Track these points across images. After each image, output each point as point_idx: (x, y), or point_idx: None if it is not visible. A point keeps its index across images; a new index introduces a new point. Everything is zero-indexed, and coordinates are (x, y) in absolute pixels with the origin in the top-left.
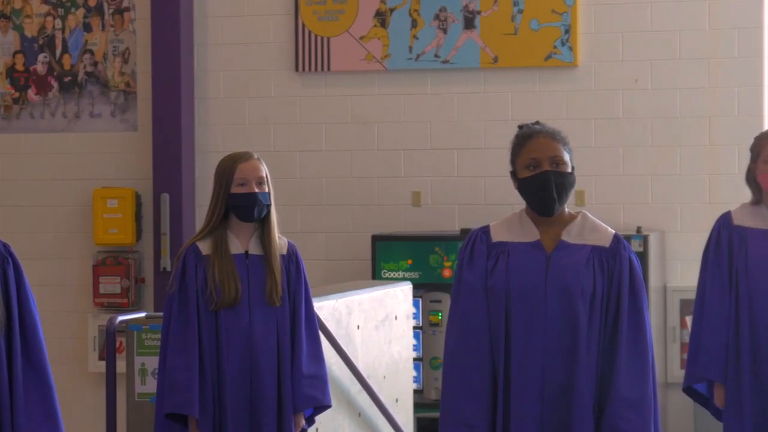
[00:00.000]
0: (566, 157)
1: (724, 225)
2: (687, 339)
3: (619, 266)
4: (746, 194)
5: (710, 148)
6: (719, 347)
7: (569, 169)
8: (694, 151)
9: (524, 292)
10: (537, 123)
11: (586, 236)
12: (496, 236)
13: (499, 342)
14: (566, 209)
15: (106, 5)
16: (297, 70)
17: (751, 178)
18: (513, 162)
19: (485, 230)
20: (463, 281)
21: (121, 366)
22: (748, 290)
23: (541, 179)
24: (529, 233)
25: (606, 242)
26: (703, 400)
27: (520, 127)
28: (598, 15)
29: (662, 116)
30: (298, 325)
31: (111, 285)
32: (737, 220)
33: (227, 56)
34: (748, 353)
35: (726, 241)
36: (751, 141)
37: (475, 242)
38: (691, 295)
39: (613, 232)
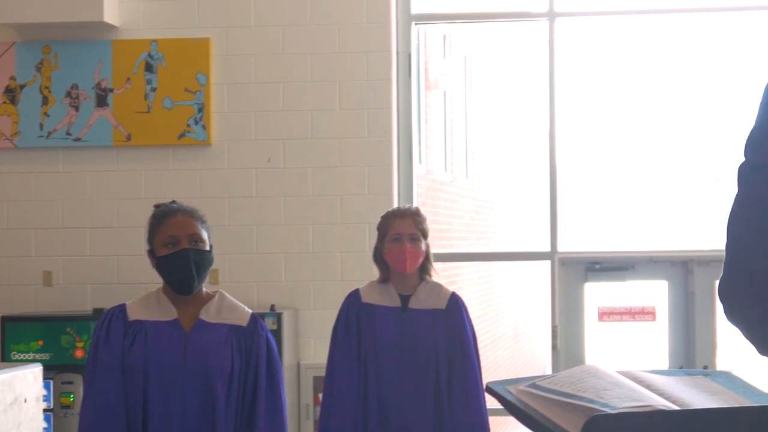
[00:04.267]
0: (204, 235)
1: (352, 302)
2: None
3: (257, 346)
4: (377, 272)
5: (342, 226)
6: (348, 424)
7: (208, 247)
8: (326, 230)
9: (162, 371)
10: (173, 202)
11: (224, 315)
12: (133, 315)
13: (137, 421)
14: (203, 288)
15: None
16: None
17: (379, 257)
18: (150, 240)
19: (121, 309)
20: (99, 360)
21: None
22: (376, 366)
23: (180, 257)
24: (167, 312)
25: (244, 321)
26: None
27: (157, 206)
28: (231, 94)
29: (295, 195)
30: None
31: None
32: (366, 298)
33: None
34: (376, 429)
35: (355, 318)
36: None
37: (111, 321)
38: (324, 372)
39: (251, 311)
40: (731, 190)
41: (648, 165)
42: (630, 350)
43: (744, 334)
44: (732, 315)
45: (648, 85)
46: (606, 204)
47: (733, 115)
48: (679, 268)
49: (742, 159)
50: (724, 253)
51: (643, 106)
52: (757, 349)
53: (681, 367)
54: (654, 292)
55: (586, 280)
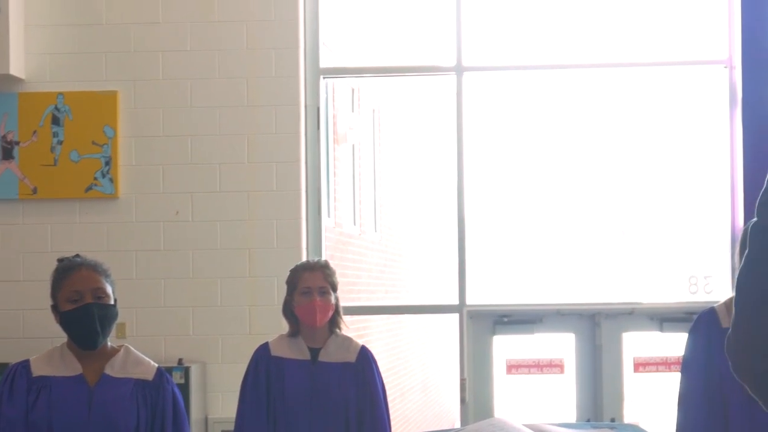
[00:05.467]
0: (109, 289)
1: (262, 356)
2: None
3: (162, 400)
4: (286, 325)
5: (250, 279)
6: None
7: (112, 302)
8: (234, 283)
9: (67, 427)
10: (77, 256)
11: (129, 370)
12: (37, 370)
13: None
14: (109, 342)
15: None
16: None
17: (289, 310)
18: (54, 295)
19: (25, 364)
20: (2, 416)
21: None
22: (285, 420)
23: (84, 312)
24: (72, 367)
25: (149, 376)
26: None
27: (60, 260)
28: (138, 147)
29: (203, 248)
30: None
31: None
32: (275, 351)
33: None
34: None
35: (264, 372)
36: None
37: (14, 377)
38: (232, 426)
39: (156, 365)
40: (636, 243)
41: (555, 218)
42: (538, 403)
43: (750, 390)
44: (738, 371)
45: (555, 139)
46: (514, 257)
47: (639, 169)
48: (587, 321)
49: (755, 219)
50: (630, 304)
51: (551, 160)
52: (762, 404)
53: (588, 420)
54: (562, 345)
55: (494, 333)
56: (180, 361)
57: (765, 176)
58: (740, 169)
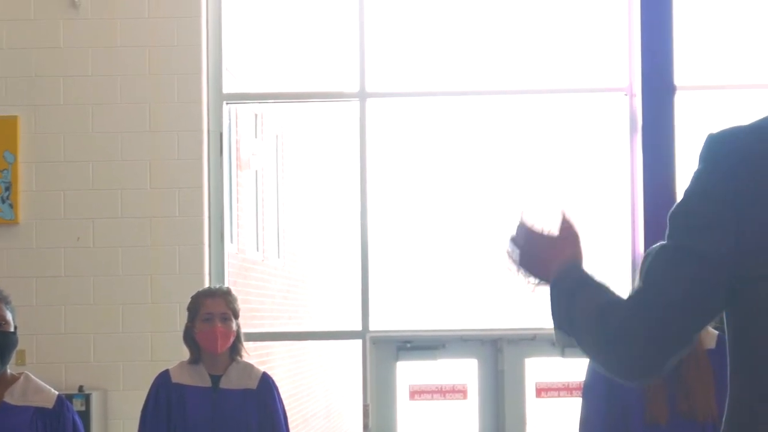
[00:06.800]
0: (9, 316)
1: (162, 383)
2: None
3: (63, 428)
4: (187, 352)
5: (152, 306)
6: None
7: (12, 329)
8: (136, 309)
9: None
10: None
11: (29, 398)
12: None
13: None
14: (8, 370)
15: None
16: None
17: (190, 337)
18: None
19: None
20: None
21: None
22: None
23: None
24: None
25: (50, 403)
26: None
27: None
28: (39, 173)
29: (105, 274)
30: None
31: None
32: (176, 378)
33: None
34: None
35: (164, 399)
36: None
37: None
38: None
39: (57, 393)
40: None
41: (458, 244)
42: (441, 429)
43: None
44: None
45: (458, 166)
46: (417, 283)
47: (541, 195)
48: (489, 347)
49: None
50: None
51: (453, 187)
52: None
53: None
54: (464, 371)
55: (397, 359)
56: (81, 389)
57: (664, 202)
58: (641, 196)
